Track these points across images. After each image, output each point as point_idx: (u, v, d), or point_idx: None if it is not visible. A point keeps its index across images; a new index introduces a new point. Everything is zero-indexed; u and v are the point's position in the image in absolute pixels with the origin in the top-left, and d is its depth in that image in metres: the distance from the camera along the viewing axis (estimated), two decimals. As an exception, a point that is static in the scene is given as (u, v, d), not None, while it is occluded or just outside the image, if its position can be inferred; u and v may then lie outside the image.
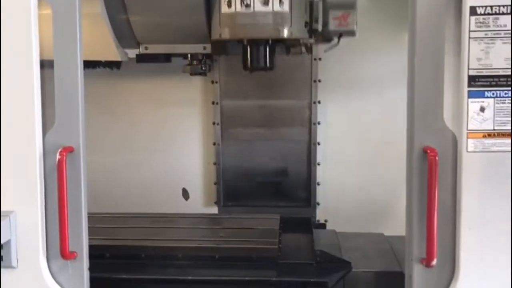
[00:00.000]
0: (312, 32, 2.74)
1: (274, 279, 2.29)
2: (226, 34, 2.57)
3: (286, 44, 2.79)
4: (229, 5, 2.50)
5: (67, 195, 1.92)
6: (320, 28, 2.70)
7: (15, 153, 1.93)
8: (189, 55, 2.88)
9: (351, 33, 2.69)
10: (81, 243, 1.97)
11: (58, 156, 1.91)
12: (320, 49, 3.22)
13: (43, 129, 1.95)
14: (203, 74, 2.97)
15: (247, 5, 2.48)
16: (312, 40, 2.72)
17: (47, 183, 1.95)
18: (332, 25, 2.65)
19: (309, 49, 3.11)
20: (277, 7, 2.51)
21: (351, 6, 2.64)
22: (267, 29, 2.55)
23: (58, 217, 1.93)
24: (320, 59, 3.26)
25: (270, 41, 2.69)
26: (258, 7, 2.49)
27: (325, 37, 2.77)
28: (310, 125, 3.29)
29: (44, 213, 1.95)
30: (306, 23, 2.67)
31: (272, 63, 2.76)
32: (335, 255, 2.44)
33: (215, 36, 2.62)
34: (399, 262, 2.42)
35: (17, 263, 1.94)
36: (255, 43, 2.69)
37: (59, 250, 1.94)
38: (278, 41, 2.72)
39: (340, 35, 2.72)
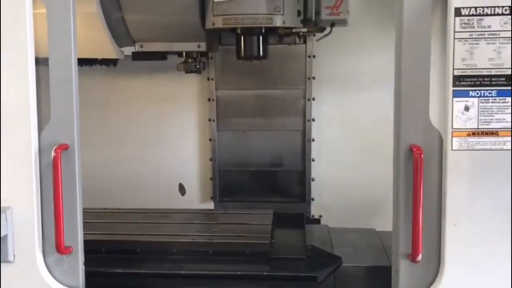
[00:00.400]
0: (305, 21, 2.76)
1: (266, 273, 2.34)
2: (219, 23, 2.59)
3: (279, 33, 2.82)
4: None
5: (62, 191, 1.96)
6: (312, 17, 2.73)
7: (11, 150, 1.97)
8: (184, 53, 2.91)
9: (343, 22, 2.72)
10: (76, 238, 2.02)
11: (53, 154, 1.95)
12: (314, 46, 3.26)
13: (39, 126, 1.99)
14: (197, 72, 3.01)
15: None
16: (305, 29, 2.74)
17: (43, 179, 1.99)
18: (324, 14, 2.68)
19: (303, 39, 3.14)
20: None
21: None
22: (260, 18, 2.56)
23: (53, 213, 1.97)
24: (314, 56, 3.30)
25: (263, 30, 2.70)
26: None
27: (318, 26, 2.80)
28: (305, 118, 3.33)
29: (40, 209, 2.00)
30: (299, 12, 2.69)
31: (266, 52, 2.78)
32: (326, 250, 2.49)
33: (208, 25, 2.63)
34: (389, 257, 2.47)
35: (14, 257, 2.00)
36: (249, 32, 2.70)
37: (54, 245, 1.99)
38: (271, 30, 2.74)
39: (332, 24, 2.74)
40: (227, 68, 3.32)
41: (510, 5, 1.79)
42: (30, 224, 1.98)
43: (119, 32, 2.72)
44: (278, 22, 2.59)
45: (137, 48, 2.81)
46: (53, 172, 1.95)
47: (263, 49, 2.77)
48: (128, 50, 2.90)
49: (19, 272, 2.00)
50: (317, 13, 2.73)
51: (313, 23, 2.80)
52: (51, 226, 1.99)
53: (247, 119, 3.38)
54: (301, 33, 2.78)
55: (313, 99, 3.33)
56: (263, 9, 2.55)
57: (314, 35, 3.14)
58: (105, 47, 2.70)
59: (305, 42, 3.24)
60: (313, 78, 3.32)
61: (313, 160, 3.39)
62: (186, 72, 3.00)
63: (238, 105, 3.38)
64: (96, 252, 2.39)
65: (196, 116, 3.46)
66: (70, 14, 1.97)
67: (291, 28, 2.69)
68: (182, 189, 3.52)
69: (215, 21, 2.60)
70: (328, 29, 2.80)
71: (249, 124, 3.39)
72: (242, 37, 2.74)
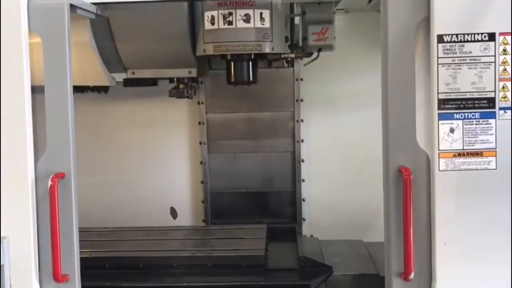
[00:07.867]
0: (292, 46, 2.86)
1: (262, 283, 2.46)
2: (210, 50, 2.66)
3: (268, 59, 2.90)
4: (212, 22, 2.60)
5: (59, 220, 1.98)
6: (299, 42, 2.83)
7: (7, 179, 1.99)
8: (175, 78, 2.96)
9: (329, 47, 2.82)
10: (73, 266, 2.03)
11: (50, 182, 1.97)
12: (302, 70, 3.34)
13: (35, 155, 2.01)
14: (189, 97, 3.06)
15: (230, 22, 2.58)
16: (292, 55, 2.84)
17: (39, 208, 2.01)
18: (311, 40, 2.78)
19: (290, 63, 3.23)
20: (258, 24, 2.60)
21: (328, 21, 2.77)
22: (250, 45, 2.63)
23: (50, 241, 1.98)
24: (302, 79, 3.37)
25: (252, 56, 2.78)
26: (240, 24, 2.58)
27: (305, 51, 2.89)
28: (294, 139, 3.39)
29: (37, 238, 2.00)
30: (286, 38, 2.79)
31: (255, 77, 2.86)
32: (318, 261, 2.61)
33: (199, 52, 2.70)
34: (375, 265, 2.57)
35: (11, 287, 1.99)
36: (238, 58, 2.77)
37: (51, 273, 2.00)
38: (260, 56, 2.82)
39: (319, 49, 2.84)
40: (216, 92, 3.37)
41: (488, 32, 1.89)
42: (27, 254, 1.99)
43: (111, 59, 2.76)
44: (267, 48, 2.67)
45: (128, 75, 2.86)
46: (50, 201, 1.97)
47: (253, 74, 2.84)
48: (120, 77, 2.95)
49: (16, 302, 2.00)
50: (304, 39, 2.82)
51: (300, 49, 2.89)
52: (48, 255, 2.00)
53: (237, 141, 3.43)
54: (289, 58, 2.87)
55: (302, 120, 3.40)
56: (253, 37, 2.62)
57: (301, 59, 3.23)
58: (97, 75, 2.74)
59: (292, 65, 3.32)
60: (301, 100, 3.39)
61: (303, 181, 3.44)
62: (178, 97, 3.04)
63: (228, 127, 3.43)
64: (100, 268, 2.50)
65: (187, 139, 3.50)
66: (65, 44, 2.00)
67: (279, 53, 2.77)
68: (173, 213, 3.53)
69: (206, 48, 2.66)
70: (315, 53, 2.89)
71: (239, 146, 3.43)
72: (232, 63, 2.80)
